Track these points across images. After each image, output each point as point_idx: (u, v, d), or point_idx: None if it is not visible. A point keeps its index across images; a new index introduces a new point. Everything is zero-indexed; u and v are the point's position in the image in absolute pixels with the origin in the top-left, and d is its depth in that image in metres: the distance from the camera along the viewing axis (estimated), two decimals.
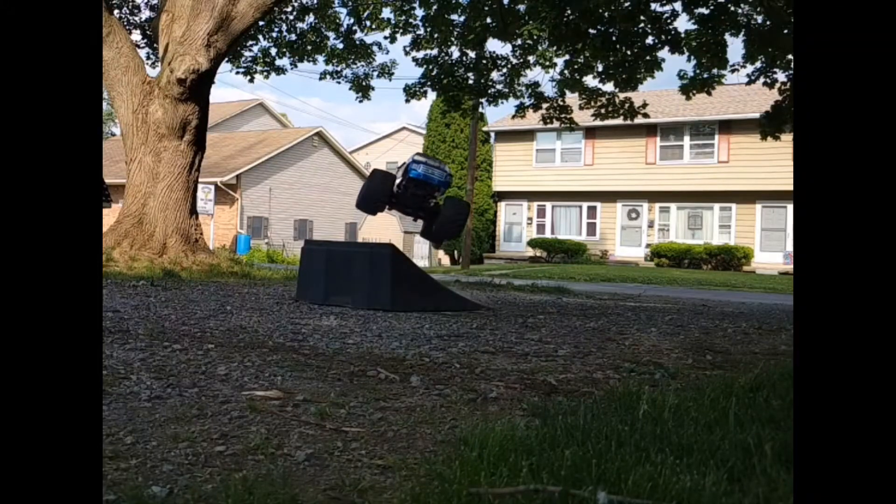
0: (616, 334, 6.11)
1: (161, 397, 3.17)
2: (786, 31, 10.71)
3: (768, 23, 11.30)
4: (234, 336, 5.12)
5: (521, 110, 14.37)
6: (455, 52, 14.01)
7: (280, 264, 21.02)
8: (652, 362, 4.65)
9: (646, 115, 13.61)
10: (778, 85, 12.41)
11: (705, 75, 12.40)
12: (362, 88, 15.79)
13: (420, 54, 14.06)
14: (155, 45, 14.60)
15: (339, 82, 16.52)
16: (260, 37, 16.30)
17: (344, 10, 15.95)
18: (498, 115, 46.74)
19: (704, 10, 11.41)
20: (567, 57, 13.19)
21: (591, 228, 28.13)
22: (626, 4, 11.72)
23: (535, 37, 13.28)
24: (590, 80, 13.38)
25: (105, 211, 18.75)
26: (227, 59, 14.12)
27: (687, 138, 26.36)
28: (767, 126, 12.74)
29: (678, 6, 11.69)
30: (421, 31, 14.13)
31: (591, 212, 28.16)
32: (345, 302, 7.58)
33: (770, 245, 25.02)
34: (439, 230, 7.55)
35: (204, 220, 17.02)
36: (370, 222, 30.34)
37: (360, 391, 3.48)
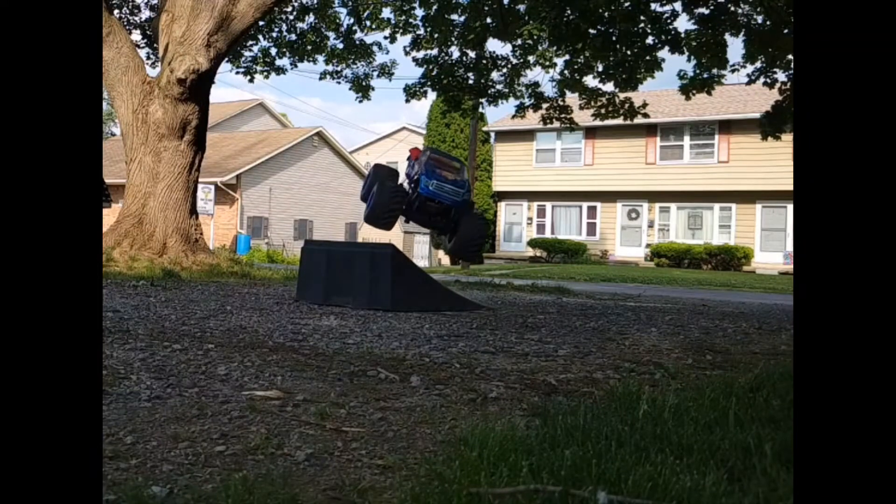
0: (616, 334, 6.11)
1: (161, 397, 3.17)
2: (786, 31, 10.71)
3: (768, 23, 11.30)
4: (234, 336, 5.12)
5: (521, 110, 14.37)
6: (455, 52, 14.02)
7: (280, 264, 21.02)
8: (652, 362, 4.65)
9: (646, 115, 13.61)
10: (778, 85, 12.41)
11: (705, 75, 12.40)
12: (362, 88, 15.79)
13: (420, 54, 14.08)
14: (155, 45, 14.60)
15: (339, 82, 16.54)
16: (260, 37, 16.30)
17: (344, 10, 15.97)
18: (498, 115, 46.75)
19: (704, 10, 11.41)
20: (567, 57, 13.19)
21: (591, 228, 28.14)
22: (626, 4, 11.72)
23: (535, 37, 13.28)
24: (590, 80, 13.40)
25: (105, 211, 18.75)
26: (227, 59, 14.12)
27: (687, 138, 26.36)
28: (767, 126, 12.74)
29: (678, 6, 11.70)
30: (421, 31, 14.13)
31: (591, 212, 28.16)
32: (345, 302, 7.58)
33: (770, 245, 25.02)
34: (457, 250, 6.82)
35: (204, 220, 17.02)
36: None
37: (360, 391, 3.48)
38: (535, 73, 36.94)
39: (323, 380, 3.72)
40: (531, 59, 13.93)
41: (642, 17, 11.80)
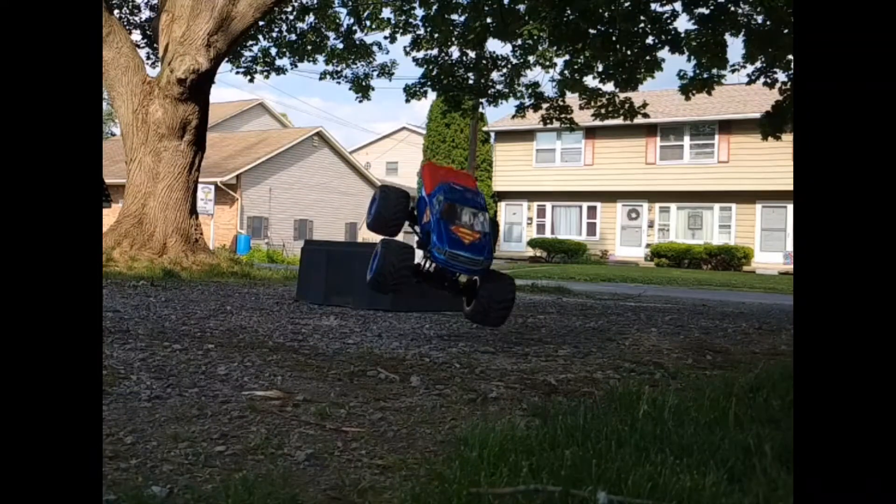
0: (616, 334, 6.11)
1: (161, 397, 3.17)
2: (786, 31, 10.70)
3: (768, 23, 11.30)
4: (234, 336, 5.12)
5: (521, 110, 14.37)
6: (455, 52, 14.02)
7: (280, 264, 21.02)
8: (652, 362, 4.65)
9: (646, 115, 13.61)
10: (778, 85, 12.41)
11: (705, 75, 12.40)
12: (362, 88, 15.78)
13: (420, 54, 14.07)
14: (155, 45, 14.60)
15: (339, 82, 16.54)
16: (260, 37, 16.30)
17: (344, 10, 15.97)
18: (498, 115, 46.77)
19: (704, 10, 11.41)
20: (567, 57, 13.19)
21: (591, 228, 28.14)
22: (626, 4, 11.72)
23: (535, 37, 13.28)
24: (590, 81, 13.39)
25: (105, 211, 18.74)
26: (227, 59, 14.11)
27: (687, 138, 26.36)
28: (767, 126, 12.74)
29: (678, 6, 11.70)
30: (421, 31, 14.13)
31: (591, 212, 28.16)
32: (345, 302, 7.58)
33: (770, 245, 25.02)
34: (479, 318, 5.09)
35: (204, 220, 17.02)
36: None
37: (360, 391, 3.48)
38: (535, 73, 36.97)
39: (323, 380, 3.72)
40: (531, 59, 13.93)
41: (642, 17, 11.80)
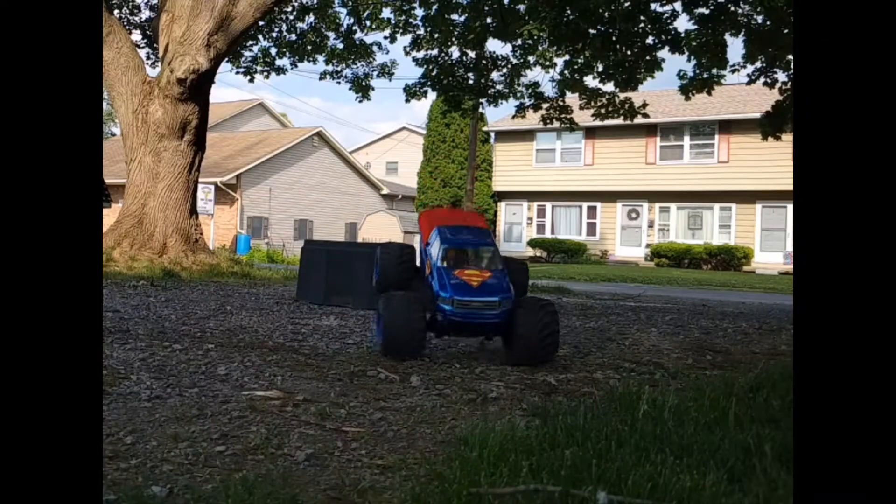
0: (616, 334, 6.11)
1: (161, 397, 3.17)
2: (786, 31, 10.70)
3: (768, 23, 11.29)
4: (234, 336, 5.12)
5: (521, 110, 14.36)
6: (455, 52, 14.01)
7: (280, 264, 21.01)
8: (652, 362, 4.65)
9: (646, 115, 13.60)
10: (778, 85, 12.40)
11: (705, 75, 12.38)
12: (362, 88, 15.78)
13: (420, 54, 14.06)
14: (155, 45, 14.60)
15: (339, 82, 16.52)
16: (260, 37, 16.29)
17: (344, 10, 15.96)
18: (498, 115, 46.75)
19: (704, 10, 11.40)
20: (567, 57, 13.18)
21: (591, 228, 28.12)
22: (626, 4, 11.71)
23: (535, 37, 13.27)
24: (590, 81, 13.38)
25: (105, 211, 18.74)
26: (227, 59, 14.11)
27: (687, 138, 26.35)
28: (767, 126, 12.73)
29: (678, 6, 11.68)
30: (421, 31, 14.12)
31: (591, 212, 28.15)
32: (345, 302, 7.58)
33: (770, 245, 25.01)
34: (523, 354, 4.31)
35: (204, 220, 17.01)
36: (370, 222, 30.34)
37: (360, 391, 3.48)
38: (535, 73, 36.95)
39: (323, 380, 3.72)
40: (531, 59, 13.91)
41: (642, 17, 11.79)
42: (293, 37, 16.36)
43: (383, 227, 28.96)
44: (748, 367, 4.29)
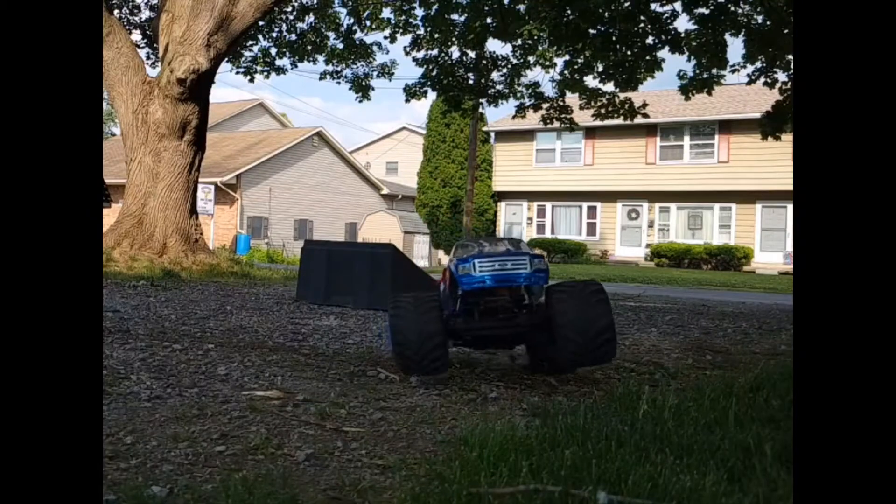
0: (616, 334, 6.10)
1: (161, 397, 3.17)
2: (786, 31, 10.70)
3: (768, 23, 11.29)
4: (234, 336, 5.12)
5: (521, 110, 14.37)
6: (455, 52, 14.01)
7: (280, 264, 21.01)
8: (652, 362, 4.65)
9: (646, 115, 13.60)
10: (778, 85, 12.40)
11: (705, 75, 12.39)
12: (362, 88, 15.78)
13: (420, 54, 14.06)
14: (155, 45, 14.60)
15: (339, 82, 16.52)
16: (260, 37, 16.29)
17: (344, 10, 15.96)
18: (498, 115, 46.73)
19: (704, 10, 11.40)
20: (567, 57, 13.18)
21: (591, 228, 28.12)
22: (626, 4, 11.71)
23: (535, 37, 13.27)
24: (590, 81, 13.39)
25: (105, 211, 18.74)
26: (227, 59, 14.11)
27: (687, 138, 26.35)
28: (768, 126, 12.74)
29: (678, 6, 11.68)
30: (421, 31, 14.13)
31: (591, 212, 28.15)
32: (345, 302, 7.58)
33: (770, 245, 25.01)
34: (570, 350, 3.54)
35: (204, 220, 17.00)
36: (370, 222, 30.34)
37: (360, 391, 3.47)
38: (535, 73, 36.94)
39: (323, 380, 3.72)
40: (531, 59, 13.92)
41: (642, 17, 11.79)
42: (293, 37, 16.37)
43: (383, 228, 28.97)
44: (748, 367, 4.29)
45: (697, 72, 12.38)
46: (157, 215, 11.80)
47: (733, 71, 12.48)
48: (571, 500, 1.92)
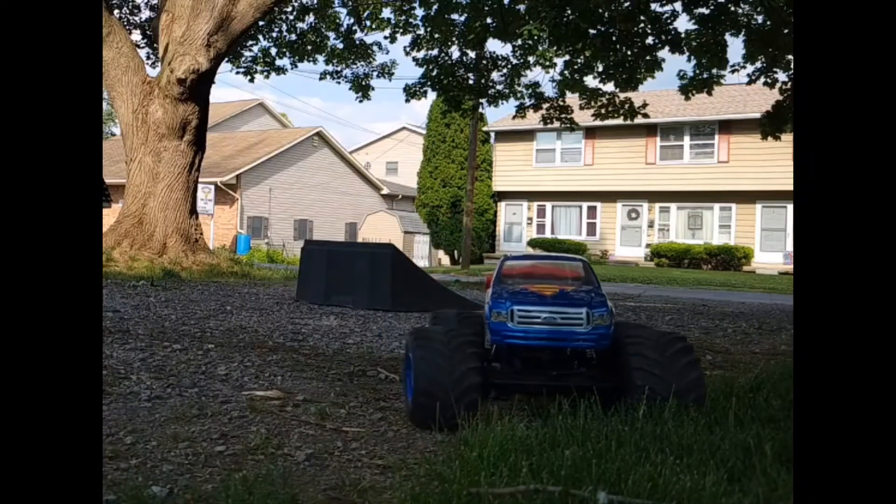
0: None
1: (161, 397, 3.16)
2: (786, 31, 10.70)
3: (768, 23, 11.29)
4: (234, 336, 5.12)
5: (521, 110, 14.37)
6: (455, 52, 14.02)
7: (280, 264, 21.01)
8: None
9: (646, 115, 13.61)
10: (778, 85, 12.41)
11: (705, 75, 12.39)
12: (362, 88, 15.78)
13: (420, 54, 14.07)
14: (155, 45, 14.60)
15: (339, 82, 16.53)
16: (260, 37, 16.30)
17: (344, 10, 15.96)
18: (498, 115, 46.73)
19: (704, 10, 11.41)
20: (567, 57, 13.19)
21: (591, 228, 28.12)
22: (626, 4, 11.72)
23: (535, 37, 13.26)
24: (590, 81, 13.39)
25: (105, 211, 18.74)
26: (227, 59, 14.11)
27: (687, 138, 26.35)
28: (768, 126, 12.74)
29: (678, 6, 11.69)
30: (421, 31, 14.13)
31: (591, 212, 28.16)
32: (345, 302, 7.58)
33: (770, 245, 25.01)
34: (658, 382, 2.86)
35: (204, 220, 17.00)
36: (370, 222, 30.34)
37: (360, 391, 3.47)
38: (535, 73, 36.94)
39: (323, 380, 3.72)
40: (531, 59, 13.92)
41: (642, 17, 11.79)
42: (293, 37, 16.37)
43: (383, 228, 28.97)
44: (748, 367, 4.29)
45: (697, 72, 12.39)
46: (157, 215, 11.81)
47: (733, 71, 12.48)
48: (571, 500, 1.92)
